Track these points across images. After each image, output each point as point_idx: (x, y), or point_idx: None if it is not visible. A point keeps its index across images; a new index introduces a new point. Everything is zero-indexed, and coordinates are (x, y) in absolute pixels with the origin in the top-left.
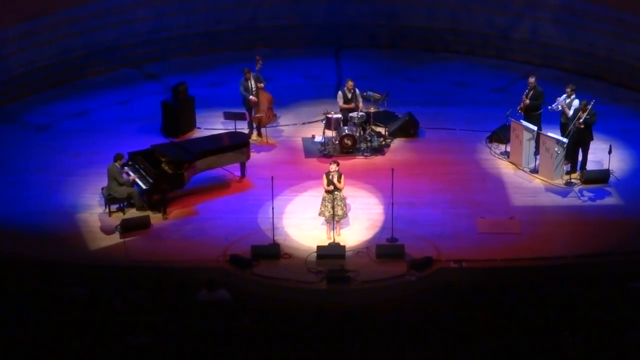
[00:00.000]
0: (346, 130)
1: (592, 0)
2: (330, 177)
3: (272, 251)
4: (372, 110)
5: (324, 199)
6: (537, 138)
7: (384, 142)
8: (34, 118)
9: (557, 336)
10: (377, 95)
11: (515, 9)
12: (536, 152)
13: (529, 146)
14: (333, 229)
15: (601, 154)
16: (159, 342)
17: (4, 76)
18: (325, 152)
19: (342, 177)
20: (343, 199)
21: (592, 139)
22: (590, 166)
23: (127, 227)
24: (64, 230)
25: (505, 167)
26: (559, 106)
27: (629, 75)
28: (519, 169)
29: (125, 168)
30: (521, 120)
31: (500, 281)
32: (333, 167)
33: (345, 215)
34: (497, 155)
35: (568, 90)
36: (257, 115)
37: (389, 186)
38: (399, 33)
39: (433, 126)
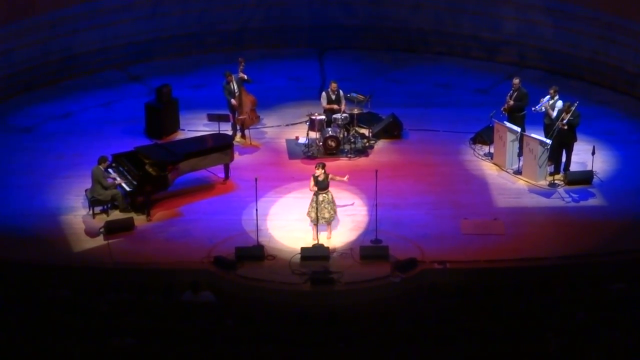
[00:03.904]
0: (330, 132)
1: (576, 2)
2: (329, 178)
3: (256, 253)
4: (355, 111)
5: (312, 200)
6: (521, 139)
7: (367, 144)
8: (17, 120)
9: (541, 337)
10: (360, 97)
11: (499, 11)
12: (520, 154)
13: (512, 147)
14: (318, 231)
15: (584, 155)
16: (144, 344)
17: None
18: (309, 153)
19: (329, 176)
20: (331, 201)
21: (575, 140)
22: (573, 167)
23: (111, 229)
24: (47, 233)
25: (488, 169)
26: (543, 107)
27: (612, 77)
28: (503, 170)
29: (110, 170)
30: (505, 122)
31: (484, 282)
32: (319, 171)
33: (332, 218)
34: (480, 157)
35: (551, 91)
36: (241, 117)
37: (372, 188)
38: (383, 34)
39: (417, 127)
